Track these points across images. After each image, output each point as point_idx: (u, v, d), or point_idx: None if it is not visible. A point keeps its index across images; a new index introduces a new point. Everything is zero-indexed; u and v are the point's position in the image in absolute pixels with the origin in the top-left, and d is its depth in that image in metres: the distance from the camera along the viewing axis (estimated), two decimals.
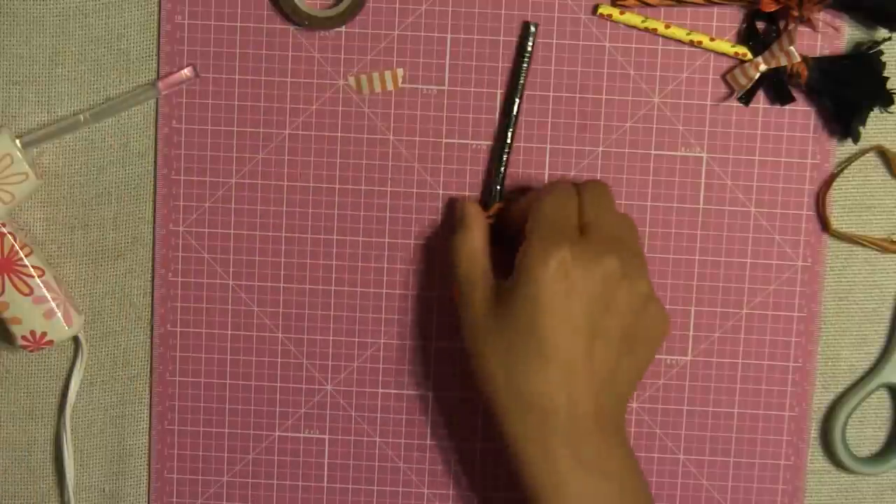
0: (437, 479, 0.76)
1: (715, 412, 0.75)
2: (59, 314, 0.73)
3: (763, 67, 0.72)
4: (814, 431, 0.76)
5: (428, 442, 0.76)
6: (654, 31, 0.73)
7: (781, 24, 0.72)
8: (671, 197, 0.74)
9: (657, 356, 0.75)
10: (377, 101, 0.74)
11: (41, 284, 0.72)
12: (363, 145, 0.74)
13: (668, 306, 0.75)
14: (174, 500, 0.77)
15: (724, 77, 0.73)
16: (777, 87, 0.72)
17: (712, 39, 0.72)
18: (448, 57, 0.74)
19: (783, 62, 0.71)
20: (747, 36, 0.72)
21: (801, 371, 0.75)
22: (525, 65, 0.72)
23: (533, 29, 0.72)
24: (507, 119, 0.73)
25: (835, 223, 0.74)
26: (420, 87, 0.74)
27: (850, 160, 0.74)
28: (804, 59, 0.72)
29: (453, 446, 0.76)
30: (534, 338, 0.65)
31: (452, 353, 0.75)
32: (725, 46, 0.72)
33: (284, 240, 0.75)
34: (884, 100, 0.72)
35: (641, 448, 0.76)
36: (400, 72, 0.73)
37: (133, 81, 0.74)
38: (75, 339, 0.75)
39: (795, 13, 0.71)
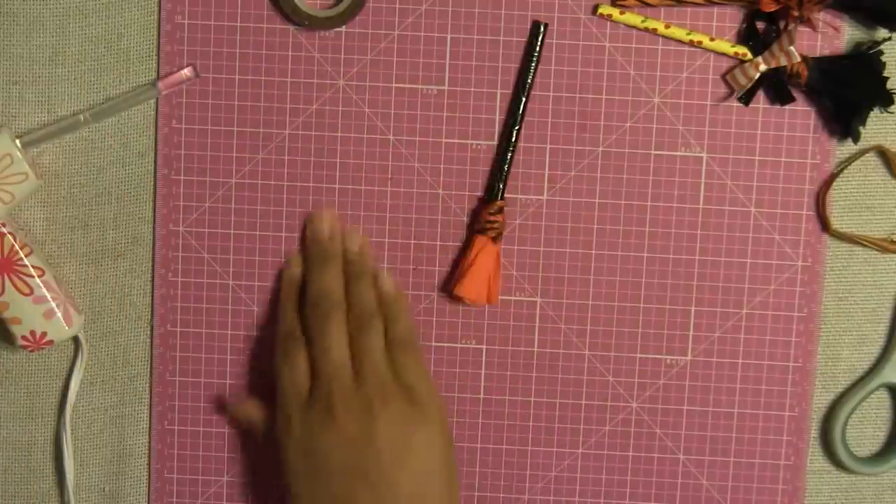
0: None
1: (715, 412, 0.75)
2: (59, 314, 0.73)
3: (763, 67, 0.72)
4: (814, 431, 0.76)
5: None
6: (653, 31, 0.73)
7: (781, 24, 0.72)
8: (671, 197, 0.74)
9: (657, 356, 0.75)
10: (377, 102, 0.74)
11: (41, 284, 0.72)
12: (363, 145, 0.74)
13: (668, 306, 0.75)
14: (174, 500, 0.77)
15: (724, 77, 0.73)
16: (777, 87, 0.72)
17: (712, 39, 0.72)
18: (448, 57, 0.74)
19: (783, 62, 0.71)
20: (747, 36, 0.72)
21: (801, 371, 0.75)
22: (534, 64, 0.73)
23: (542, 29, 0.72)
24: (513, 118, 0.73)
25: (835, 223, 0.74)
26: (420, 87, 0.74)
27: (850, 160, 0.74)
28: (804, 58, 0.72)
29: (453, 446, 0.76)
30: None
31: (452, 353, 0.75)
32: (725, 46, 0.72)
33: (284, 240, 0.75)
34: (884, 100, 0.72)
35: (642, 448, 0.76)
36: None
37: (133, 81, 0.74)
38: (75, 339, 0.75)
39: (795, 13, 0.71)
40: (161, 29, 0.74)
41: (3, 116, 0.74)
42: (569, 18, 0.73)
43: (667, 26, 0.72)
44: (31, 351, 0.73)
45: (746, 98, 0.73)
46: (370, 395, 0.69)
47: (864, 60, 0.72)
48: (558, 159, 0.74)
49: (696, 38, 0.72)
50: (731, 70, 0.73)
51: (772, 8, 0.71)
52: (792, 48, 0.71)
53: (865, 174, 0.74)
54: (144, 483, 0.77)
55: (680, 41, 0.73)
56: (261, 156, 0.75)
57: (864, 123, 0.72)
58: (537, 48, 0.73)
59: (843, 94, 0.72)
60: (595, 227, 0.74)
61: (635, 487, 0.76)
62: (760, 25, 0.72)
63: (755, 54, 0.72)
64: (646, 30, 0.73)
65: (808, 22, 0.71)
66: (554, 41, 0.73)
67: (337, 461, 0.68)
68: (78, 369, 0.75)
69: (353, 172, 0.75)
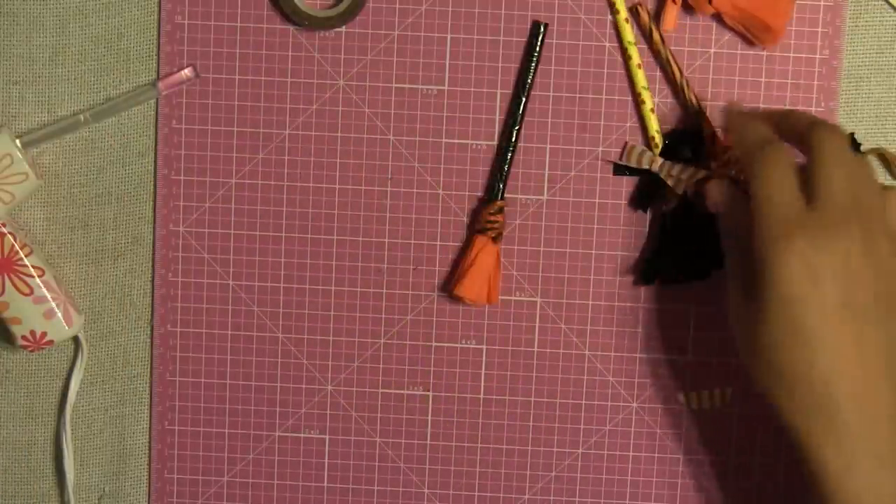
0: (437, 479, 0.76)
1: (715, 412, 0.75)
2: (59, 314, 0.73)
3: (655, 168, 0.72)
4: None
5: (428, 442, 0.76)
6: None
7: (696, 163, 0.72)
8: None
9: (657, 356, 0.75)
10: (377, 102, 0.74)
11: (41, 284, 0.72)
12: (363, 145, 0.74)
13: (668, 306, 0.75)
14: (174, 500, 0.77)
15: (623, 147, 0.73)
16: (649, 191, 0.73)
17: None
18: (448, 57, 0.74)
19: (670, 184, 0.71)
20: (671, 142, 0.73)
21: None
22: (534, 64, 0.72)
23: (542, 29, 0.72)
24: (513, 118, 0.73)
25: None
26: (420, 87, 0.74)
27: None
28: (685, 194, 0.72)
29: (453, 446, 0.76)
30: (797, 340, 0.62)
31: (452, 353, 0.75)
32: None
33: (284, 240, 0.75)
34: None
35: (642, 448, 0.76)
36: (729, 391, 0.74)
37: (133, 81, 0.74)
38: (75, 339, 0.75)
39: (713, 164, 0.71)
40: (161, 29, 0.74)
41: (3, 116, 0.74)
42: (569, 18, 0.73)
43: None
44: (31, 351, 0.73)
45: (619, 170, 0.73)
46: None
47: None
48: (558, 159, 0.74)
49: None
50: (631, 147, 0.73)
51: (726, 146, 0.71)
52: (684, 181, 0.71)
53: None
54: (144, 483, 0.77)
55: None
56: (261, 156, 0.75)
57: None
58: (537, 48, 0.73)
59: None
60: (595, 227, 0.74)
61: (635, 487, 0.76)
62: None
63: (664, 155, 0.72)
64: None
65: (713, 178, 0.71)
66: (554, 41, 0.73)
67: None
68: (78, 369, 0.75)
69: (353, 172, 0.75)
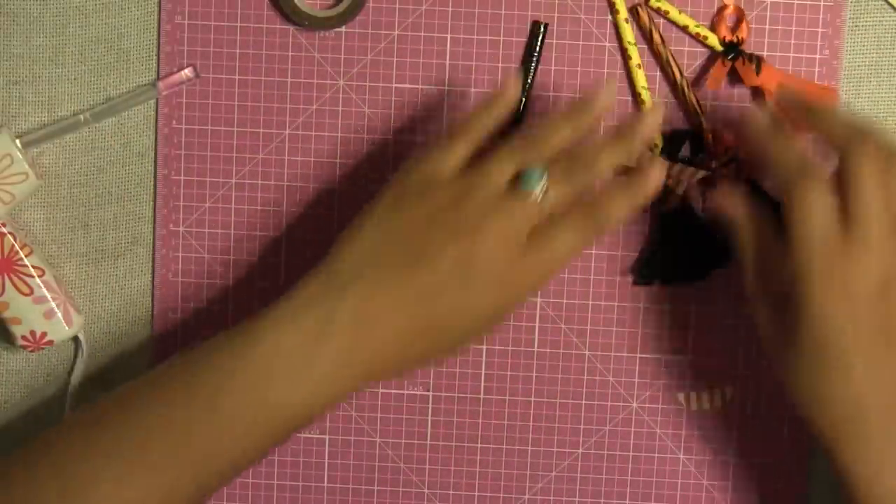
0: (437, 479, 0.76)
1: (715, 412, 0.75)
2: (59, 314, 0.73)
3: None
4: None
5: (428, 442, 0.76)
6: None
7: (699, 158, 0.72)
8: None
9: (657, 356, 0.75)
10: (377, 101, 0.74)
11: (41, 284, 0.72)
12: (363, 145, 0.74)
13: (668, 306, 0.75)
14: None
15: None
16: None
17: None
18: (448, 57, 0.74)
19: (669, 184, 0.72)
20: (671, 145, 0.73)
21: None
22: (534, 64, 0.72)
23: (543, 29, 0.72)
24: (513, 118, 0.73)
25: None
26: (420, 87, 0.74)
27: None
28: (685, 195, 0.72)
29: (453, 446, 0.76)
30: (832, 363, 0.64)
31: None
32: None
33: (284, 240, 0.75)
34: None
35: (642, 448, 0.76)
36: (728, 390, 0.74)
37: (133, 81, 0.74)
38: (75, 339, 0.75)
39: (713, 164, 0.71)
40: (161, 29, 0.74)
41: (3, 116, 0.74)
42: (569, 18, 0.73)
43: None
44: (31, 351, 0.73)
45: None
46: None
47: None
48: None
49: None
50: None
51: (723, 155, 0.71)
52: (684, 181, 0.71)
53: None
54: None
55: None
56: (261, 156, 0.75)
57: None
58: (537, 48, 0.73)
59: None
60: None
61: (635, 487, 0.76)
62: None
63: (664, 155, 0.72)
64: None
65: (709, 178, 0.71)
66: (554, 41, 0.73)
67: None
68: (78, 369, 0.75)
69: (353, 172, 0.75)
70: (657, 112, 0.67)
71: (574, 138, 0.67)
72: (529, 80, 0.73)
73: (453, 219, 0.64)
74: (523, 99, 0.73)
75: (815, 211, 0.63)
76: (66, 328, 0.73)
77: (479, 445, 0.76)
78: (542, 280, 0.66)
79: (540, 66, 0.73)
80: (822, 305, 0.63)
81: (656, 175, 0.66)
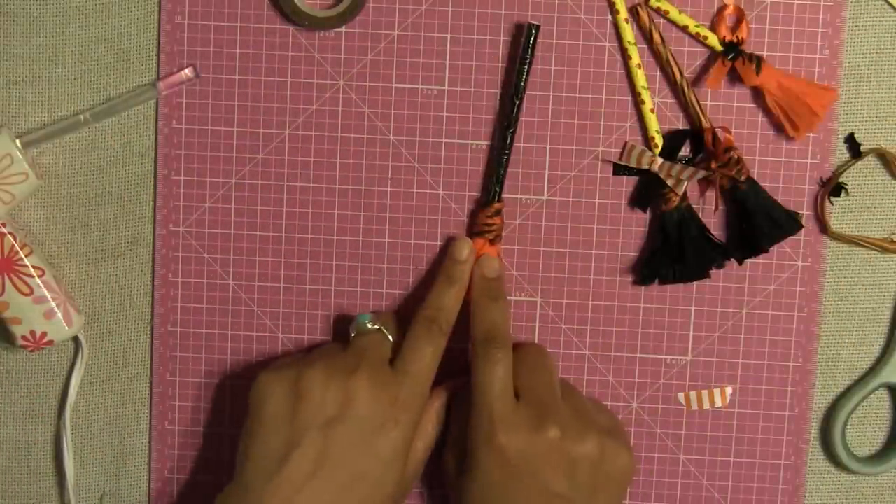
0: (438, 479, 0.76)
1: (715, 412, 0.75)
2: (59, 314, 0.73)
3: (655, 168, 0.72)
4: (814, 431, 0.76)
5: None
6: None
7: (698, 159, 0.72)
8: None
9: (657, 356, 0.75)
10: (377, 102, 0.74)
11: (41, 284, 0.72)
12: (363, 145, 0.74)
13: (667, 306, 0.75)
14: (174, 500, 0.77)
15: (623, 148, 0.73)
16: (650, 190, 0.73)
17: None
18: (448, 57, 0.74)
19: (670, 184, 0.72)
20: (670, 146, 0.73)
21: (801, 371, 0.75)
22: (526, 66, 0.72)
23: (534, 31, 0.72)
24: (506, 121, 0.73)
25: (835, 224, 0.74)
26: (420, 87, 0.74)
27: (850, 162, 0.74)
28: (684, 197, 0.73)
29: None
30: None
31: (452, 353, 0.75)
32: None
33: (284, 240, 0.75)
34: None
35: (642, 448, 0.76)
36: (728, 391, 0.75)
37: (133, 81, 0.74)
38: (75, 339, 0.75)
39: (714, 165, 0.71)
40: (161, 29, 0.74)
41: (3, 116, 0.74)
42: (568, 18, 0.73)
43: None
44: (31, 351, 0.73)
45: (619, 170, 0.73)
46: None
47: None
48: (558, 159, 0.74)
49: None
50: (631, 147, 0.73)
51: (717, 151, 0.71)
52: (684, 181, 0.71)
53: (865, 175, 0.74)
54: (144, 483, 0.77)
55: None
56: (261, 156, 0.75)
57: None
58: (530, 50, 0.72)
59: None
60: (595, 227, 0.74)
61: (635, 487, 0.76)
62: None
63: (664, 155, 0.72)
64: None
65: (710, 179, 0.71)
66: (554, 41, 0.73)
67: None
68: (78, 369, 0.75)
69: (353, 172, 0.75)
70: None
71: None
72: (522, 83, 0.72)
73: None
74: (516, 102, 0.73)
75: (493, 385, 0.70)
76: (66, 328, 0.73)
77: None
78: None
79: (539, 67, 0.73)
80: (492, 472, 0.69)
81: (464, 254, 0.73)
